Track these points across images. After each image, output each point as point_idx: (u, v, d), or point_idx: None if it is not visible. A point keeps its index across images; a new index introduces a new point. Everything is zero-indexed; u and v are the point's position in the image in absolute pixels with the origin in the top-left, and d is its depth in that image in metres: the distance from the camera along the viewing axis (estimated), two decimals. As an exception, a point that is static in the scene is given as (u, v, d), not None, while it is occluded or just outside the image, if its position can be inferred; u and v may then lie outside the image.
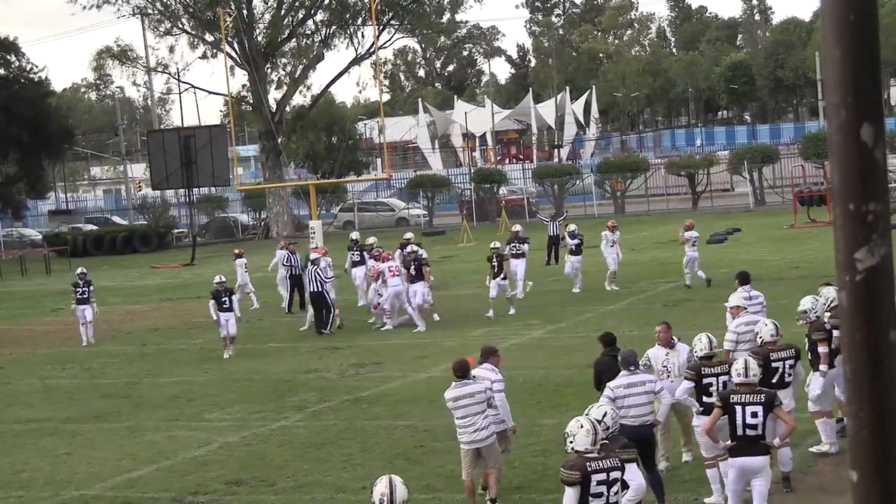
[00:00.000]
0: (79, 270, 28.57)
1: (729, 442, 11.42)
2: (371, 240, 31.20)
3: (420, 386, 20.14)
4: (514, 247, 30.63)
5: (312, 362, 23.69)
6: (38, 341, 30.26)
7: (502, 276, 28.09)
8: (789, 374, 13.37)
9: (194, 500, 14.30)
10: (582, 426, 9.51)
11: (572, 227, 33.05)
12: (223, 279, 26.26)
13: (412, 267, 27.12)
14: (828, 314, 14.38)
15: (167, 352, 26.74)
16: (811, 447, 14.26)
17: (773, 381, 13.13)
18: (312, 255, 28.87)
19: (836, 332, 13.97)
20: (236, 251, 34.62)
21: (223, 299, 25.41)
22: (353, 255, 31.65)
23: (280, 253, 32.07)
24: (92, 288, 28.50)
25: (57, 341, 29.81)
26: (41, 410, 20.80)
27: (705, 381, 12.63)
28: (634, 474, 10.47)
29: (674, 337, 13.31)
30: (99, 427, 19.03)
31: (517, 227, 32.52)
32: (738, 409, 11.19)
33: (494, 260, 28.08)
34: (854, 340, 2.56)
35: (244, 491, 14.53)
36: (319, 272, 27.39)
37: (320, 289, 27.20)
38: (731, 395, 11.42)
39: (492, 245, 28.93)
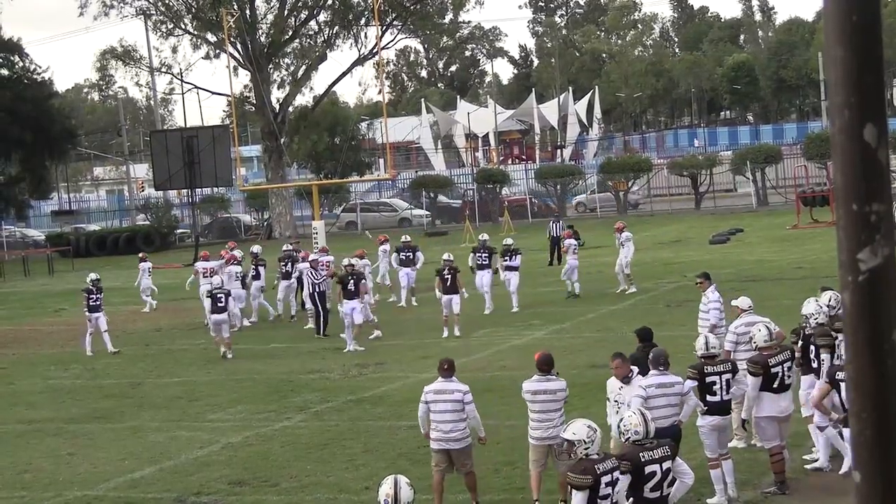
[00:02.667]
0: (92, 276, 27.62)
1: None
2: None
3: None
4: (480, 257, 29.01)
5: (315, 363, 23.70)
6: (41, 342, 30.27)
7: (454, 290, 25.94)
8: (788, 377, 13.31)
9: (197, 500, 14.31)
10: (593, 429, 9.70)
11: (508, 240, 30.57)
12: (220, 282, 26.68)
13: (350, 282, 25.40)
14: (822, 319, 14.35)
15: (170, 352, 26.75)
16: (805, 455, 14.16)
17: (774, 385, 13.08)
18: (311, 257, 29.07)
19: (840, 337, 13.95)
20: (141, 255, 36.38)
21: (219, 300, 25.58)
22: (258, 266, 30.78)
23: (301, 266, 29.51)
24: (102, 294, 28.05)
25: (60, 342, 29.83)
26: (44, 411, 20.82)
27: (708, 380, 12.66)
28: (683, 467, 10.43)
29: (633, 369, 12.55)
30: (102, 427, 19.05)
31: (484, 236, 30.94)
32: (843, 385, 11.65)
33: (447, 272, 26.04)
34: (857, 341, 2.55)
35: (247, 491, 14.54)
36: (313, 273, 27.45)
37: (322, 290, 27.27)
38: (837, 372, 12.23)
39: (445, 256, 27.01)
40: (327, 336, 26.75)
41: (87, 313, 27.06)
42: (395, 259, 31.47)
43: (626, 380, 12.37)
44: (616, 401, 12.46)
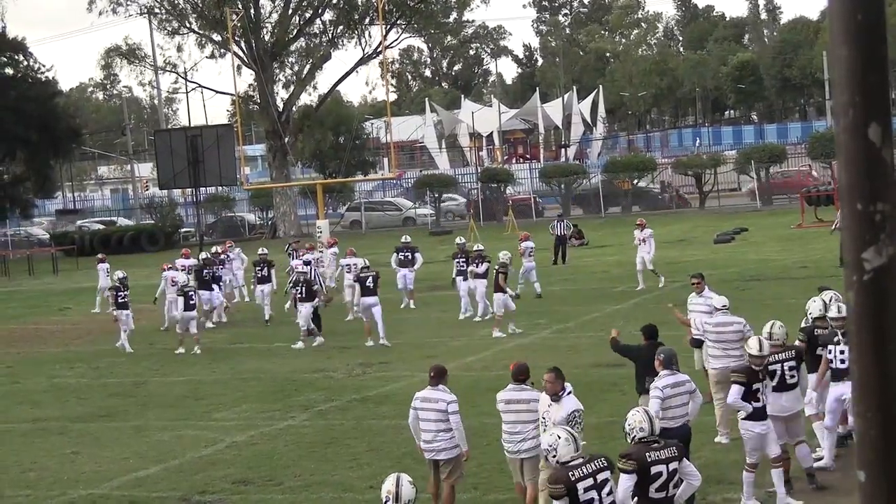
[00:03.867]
0: (119, 274, 27.94)
1: None
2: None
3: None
4: (477, 263, 28.00)
5: (320, 362, 23.71)
6: (45, 340, 30.29)
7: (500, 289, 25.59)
8: (791, 377, 13.24)
9: (202, 499, 14.32)
10: (559, 437, 9.45)
11: (478, 246, 30.12)
12: (186, 280, 27.62)
13: (301, 287, 25.75)
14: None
15: (174, 351, 26.75)
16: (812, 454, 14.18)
17: (774, 383, 13.09)
18: (306, 256, 29.15)
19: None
20: (100, 256, 36.81)
21: (191, 298, 26.49)
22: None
23: (294, 262, 30.27)
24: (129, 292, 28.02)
25: (65, 340, 29.83)
26: (49, 409, 20.83)
27: (754, 386, 12.58)
28: (690, 468, 10.26)
29: (566, 386, 11.73)
30: (106, 426, 19.06)
31: (461, 240, 30.56)
32: None
33: (501, 270, 25.80)
34: (862, 340, 2.55)
35: (251, 490, 14.55)
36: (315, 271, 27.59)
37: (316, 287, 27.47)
38: None
39: (501, 255, 26.77)
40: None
41: (115, 311, 27.13)
42: (394, 260, 31.22)
43: (555, 397, 11.58)
44: (544, 417, 11.72)
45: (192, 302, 26.54)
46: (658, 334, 14.45)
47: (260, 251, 31.92)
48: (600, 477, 9.25)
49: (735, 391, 12.54)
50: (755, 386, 12.53)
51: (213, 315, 30.47)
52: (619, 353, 14.91)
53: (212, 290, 30.11)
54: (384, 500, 9.07)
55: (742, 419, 12.67)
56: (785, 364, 13.21)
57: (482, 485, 13.75)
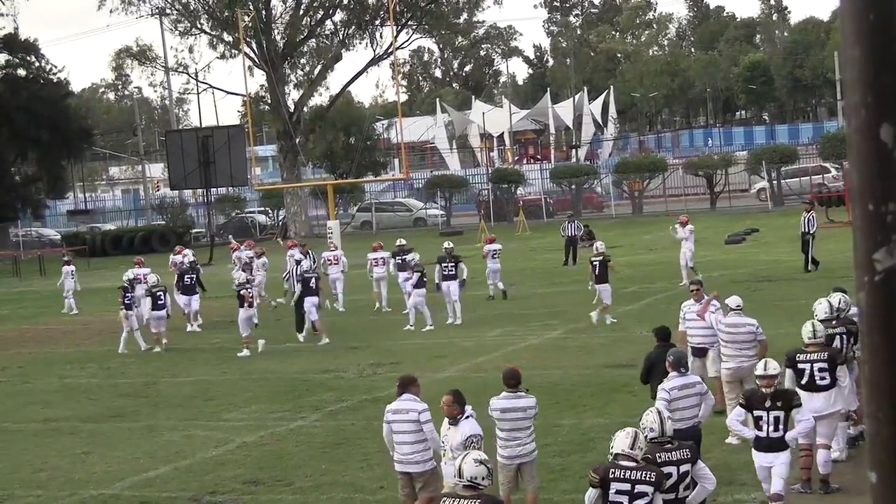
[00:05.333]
0: (130, 275, 28.60)
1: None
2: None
3: (437, 386, 20.10)
4: (446, 267, 28.02)
5: (330, 362, 23.72)
6: (56, 341, 30.37)
7: (604, 280, 26.09)
8: (822, 378, 13.16)
9: (212, 499, 14.33)
10: (623, 429, 9.53)
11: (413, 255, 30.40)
12: (157, 279, 27.90)
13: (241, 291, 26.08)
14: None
15: (184, 351, 26.81)
16: None
17: (803, 383, 13.09)
18: (297, 255, 29.20)
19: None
20: (66, 258, 38.05)
21: (159, 298, 27.03)
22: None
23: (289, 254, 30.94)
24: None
25: (76, 340, 29.91)
26: (60, 410, 20.88)
27: (756, 413, 12.15)
28: (704, 471, 10.17)
29: (465, 409, 11.33)
30: (117, 426, 19.09)
31: (449, 244, 30.01)
32: None
33: (595, 259, 26.43)
34: (873, 341, 2.55)
35: (262, 490, 14.56)
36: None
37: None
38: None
39: (598, 245, 27.75)
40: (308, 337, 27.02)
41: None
42: (392, 265, 31.22)
43: (453, 420, 11.27)
44: (443, 441, 11.43)
45: (160, 302, 27.06)
46: (671, 335, 14.40)
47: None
48: (638, 489, 9.10)
49: (735, 413, 12.26)
50: (757, 413, 11.93)
51: (191, 319, 30.39)
52: (644, 376, 14.31)
53: (191, 294, 30.17)
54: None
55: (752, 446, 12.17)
56: (815, 364, 13.17)
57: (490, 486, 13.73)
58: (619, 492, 9.08)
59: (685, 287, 29.75)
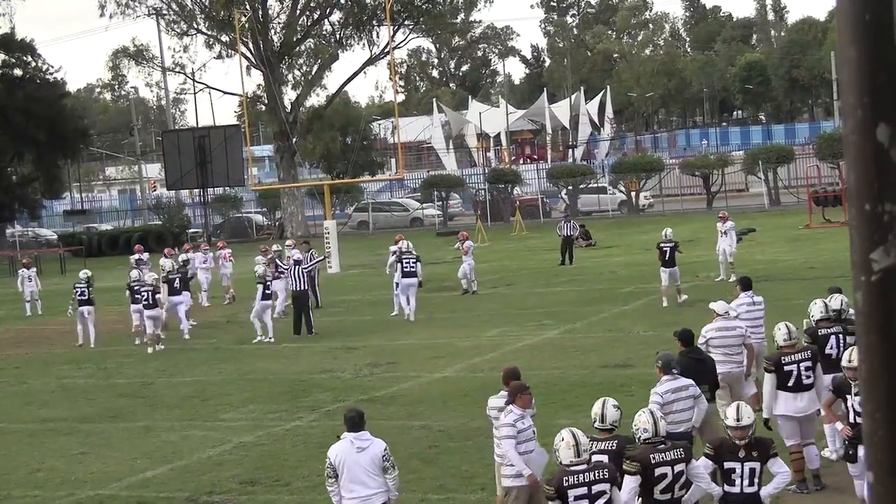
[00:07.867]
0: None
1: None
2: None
3: (435, 386, 20.14)
4: (408, 264, 28.31)
5: (327, 362, 23.71)
6: (54, 341, 30.35)
7: (672, 264, 27.65)
8: (807, 377, 13.19)
9: (209, 499, 14.33)
10: (562, 439, 9.36)
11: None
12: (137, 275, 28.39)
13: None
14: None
15: (181, 351, 26.79)
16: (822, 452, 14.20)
17: (789, 384, 13.09)
18: (296, 255, 29.21)
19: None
20: (25, 261, 38.54)
21: (144, 297, 27.10)
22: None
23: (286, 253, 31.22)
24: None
25: (73, 341, 29.87)
26: (57, 410, 20.86)
27: (726, 465, 10.65)
28: (698, 471, 9.96)
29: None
30: (114, 427, 19.08)
31: (407, 243, 30.34)
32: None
33: (665, 245, 27.84)
34: (870, 341, 2.55)
35: (259, 491, 14.55)
36: (303, 272, 27.64)
37: (305, 287, 27.48)
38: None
39: (666, 231, 28.79)
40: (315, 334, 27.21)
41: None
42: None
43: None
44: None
45: (138, 297, 27.36)
46: (694, 339, 13.87)
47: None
48: (596, 488, 9.14)
49: (701, 464, 10.06)
50: (728, 464, 10.09)
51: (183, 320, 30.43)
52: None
53: (179, 294, 30.08)
54: (592, 421, 10.26)
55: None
56: (801, 364, 13.18)
57: (489, 485, 13.72)
58: (577, 497, 9.10)
59: (722, 282, 29.90)
